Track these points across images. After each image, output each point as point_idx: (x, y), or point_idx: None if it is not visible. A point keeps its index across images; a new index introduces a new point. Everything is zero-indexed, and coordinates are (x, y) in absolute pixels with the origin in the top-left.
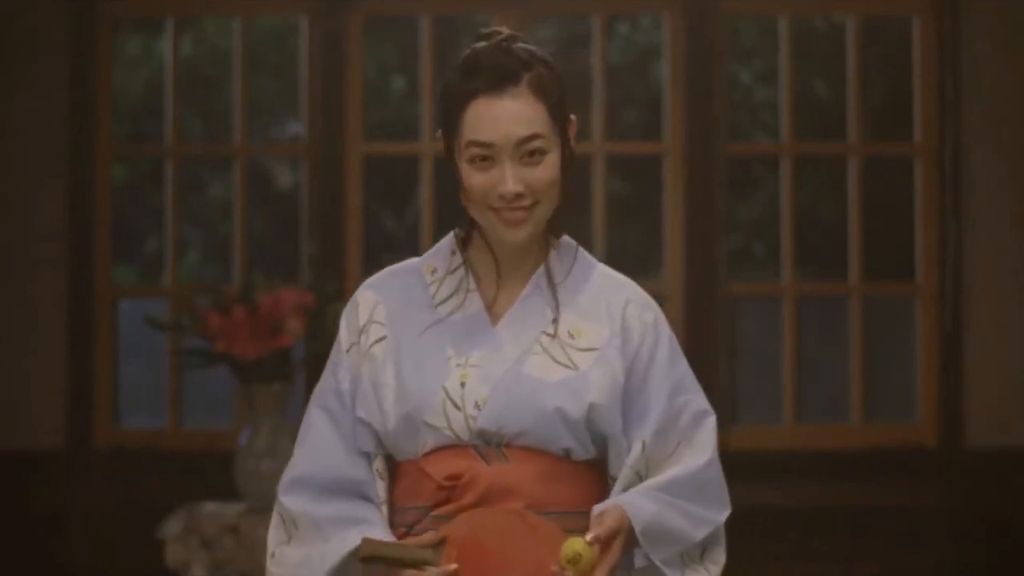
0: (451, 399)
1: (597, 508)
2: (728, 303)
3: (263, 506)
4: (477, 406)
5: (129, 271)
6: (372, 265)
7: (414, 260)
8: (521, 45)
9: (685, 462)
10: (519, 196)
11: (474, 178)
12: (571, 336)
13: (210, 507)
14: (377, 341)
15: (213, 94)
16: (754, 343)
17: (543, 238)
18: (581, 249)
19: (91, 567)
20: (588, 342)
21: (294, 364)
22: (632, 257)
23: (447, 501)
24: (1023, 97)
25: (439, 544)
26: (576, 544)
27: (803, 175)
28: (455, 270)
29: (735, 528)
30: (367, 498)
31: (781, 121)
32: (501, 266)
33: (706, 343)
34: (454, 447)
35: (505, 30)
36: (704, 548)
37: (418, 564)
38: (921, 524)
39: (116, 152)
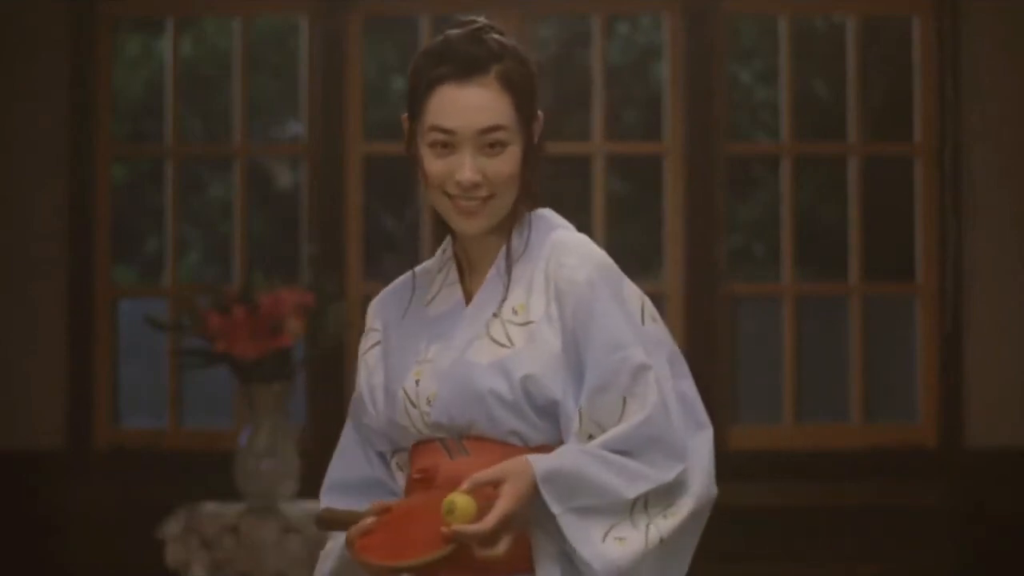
0: (409, 398)
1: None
2: (728, 303)
3: (263, 506)
4: (428, 402)
5: (129, 271)
6: (372, 265)
7: (425, 262)
8: (495, 36)
9: (636, 416)
10: (476, 186)
11: (433, 164)
12: (514, 312)
13: (210, 507)
14: (372, 347)
15: (213, 94)
16: (754, 343)
17: (509, 219)
18: (542, 218)
19: (91, 567)
20: (527, 316)
21: (294, 364)
22: (632, 257)
23: (425, 490)
24: (1023, 97)
25: (384, 511)
26: (452, 495)
27: (803, 175)
28: (443, 266)
29: (735, 528)
30: (392, 493)
31: (781, 121)
32: (471, 254)
33: (706, 343)
34: (426, 442)
35: (481, 20)
36: (647, 500)
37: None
38: (921, 524)
39: (116, 152)
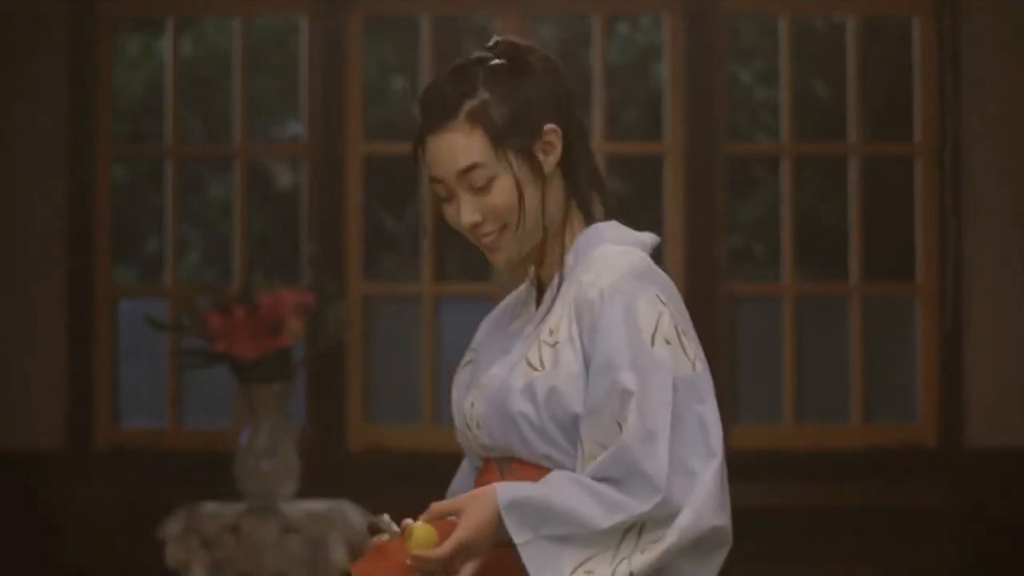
0: (466, 420)
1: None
2: (728, 303)
3: (263, 506)
4: (478, 425)
5: (129, 271)
6: (372, 265)
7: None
8: (478, 64)
9: (615, 444)
10: (477, 225)
11: (445, 211)
12: (550, 333)
13: (210, 507)
14: (465, 364)
15: (213, 94)
16: (754, 343)
17: (561, 236)
18: (594, 233)
19: (91, 567)
20: (555, 337)
21: (294, 364)
22: None
23: None
24: (1023, 97)
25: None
26: (412, 523)
27: (803, 175)
28: (530, 286)
29: (735, 528)
30: None
31: (781, 121)
32: (540, 275)
33: (706, 343)
34: (487, 461)
35: (478, 51)
36: (639, 532)
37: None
38: (921, 524)
39: (116, 152)
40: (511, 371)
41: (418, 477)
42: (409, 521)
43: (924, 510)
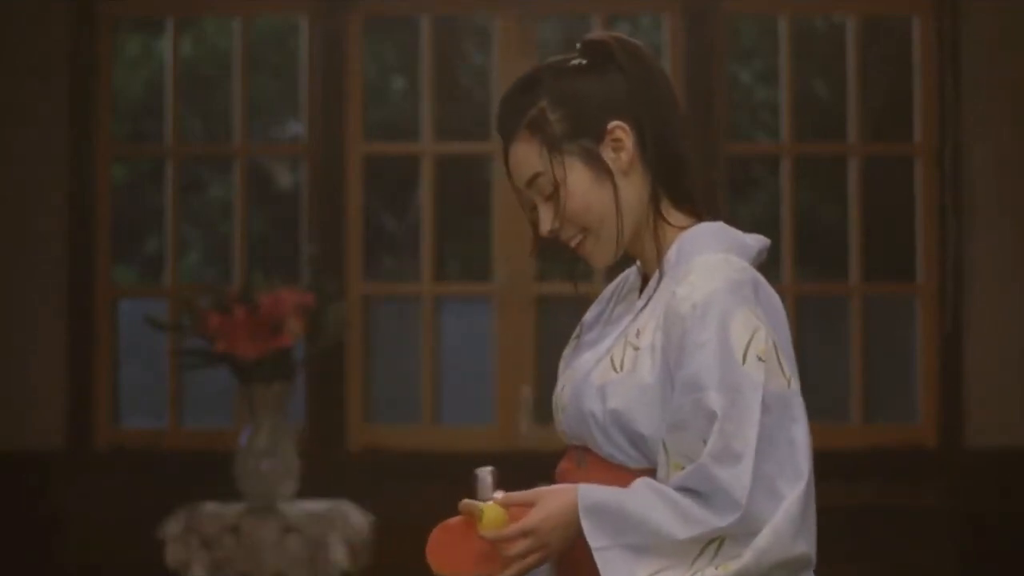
0: (557, 405)
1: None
2: None
3: (263, 506)
4: (562, 411)
5: (129, 271)
6: (372, 265)
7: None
8: (541, 74)
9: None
10: (556, 231)
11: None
12: (637, 335)
13: (210, 507)
14: (572, 340)
15: (213, 94)
16: None
17: (654, 231)
18: (696, 237)
19: (91, 567)
20: (639, 341)
21: (294, 364)
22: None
23: None
24: (1023, 97)
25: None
26: (483, 505)
27: (803, 175)
28: (637, 274)
29: None
30: None
31: (781, 121)
32: (643, 270)
33: None
34: (568, 447)
35: (563, 54)
36: (717, 549)
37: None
38: (921, 524)
39: (116, 152)
40: (596, 364)
41: (418, 477)
42: (483, 504)
43: (924, 510)
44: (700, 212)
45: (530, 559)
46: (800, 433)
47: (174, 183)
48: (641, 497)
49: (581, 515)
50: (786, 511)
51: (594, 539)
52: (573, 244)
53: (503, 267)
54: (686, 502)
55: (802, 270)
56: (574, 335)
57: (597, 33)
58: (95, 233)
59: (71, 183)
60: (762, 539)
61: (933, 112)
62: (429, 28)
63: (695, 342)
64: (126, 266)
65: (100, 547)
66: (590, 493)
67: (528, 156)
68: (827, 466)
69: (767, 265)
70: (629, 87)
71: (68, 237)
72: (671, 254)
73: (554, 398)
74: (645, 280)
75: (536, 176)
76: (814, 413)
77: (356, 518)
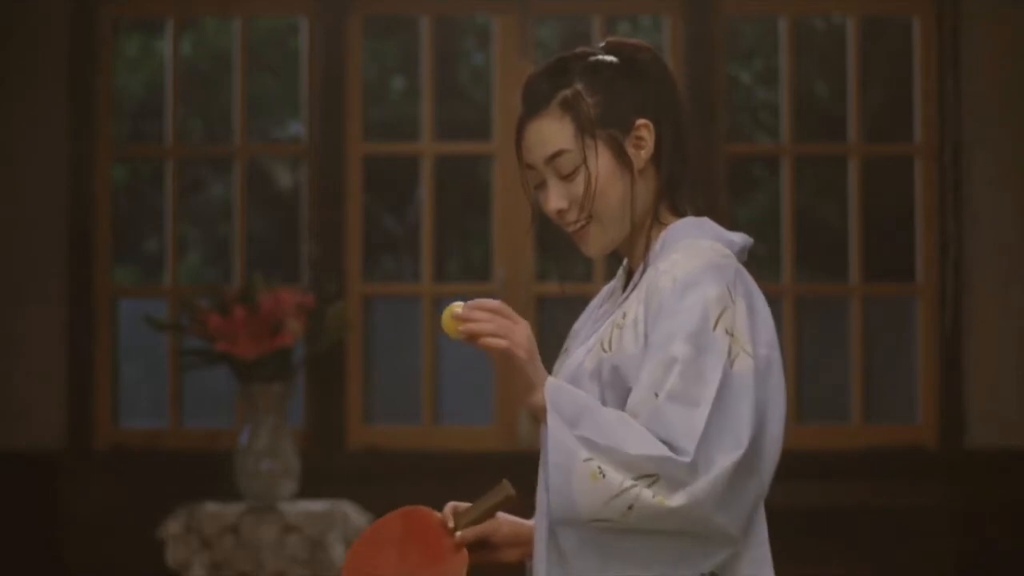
0: None
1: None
2: None
3: (263, 506)
4: None
5: (129, 271)
6: (372, 265)
7: None
8: (577, 59)
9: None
10: (563, 212)
11: (537, 200)
12: (623, 317)
13: (210, 507)
14: (562, 353)
15: (213, 94)
16: None
17: (648, 230)
18: (681, 228)
19: (91, 567)
20: (626, 321)
21: (294, 364)
22: None
23: None
24: (1022, 97)
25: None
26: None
27: (803, 175)
28: (621, 275)
29: None
30: None
31: (781, 121)
32: (631, 264)
33: None
34: None
35: (589, 47)
36: (656, 478)
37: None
38: (921, 524)
39: (116, 152)
40: (587, 355)
41: (418, 477)
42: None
43: (924, 510)
44: (685, 214)
45: (493, 341)
46: (747, 412)
47: (174, 183)
48: (606, 409)
49: (547, 388)
50: (714, 478)
51: (552, 416)
52: (573, 229)
53: (503, 267)
54: (640, 427)
55: (802, 270)
56: (564, 348)
57: (621, 38)
58: (95, 233)
59: (71, 183)
60: (681, 497)
61: (933, 112)
62: (429, 28)
63: (669, 310)
64: (126, 266)
65: (100, 547)
66: (558, 383)
67: (555, 133)
68: (827, 466)
69: (767, 265)
70: (655, 91)
71: (68, 237)
72: (656, 246)
73: None
74: (629, 275)
75: (560, 153)
76: (814, 413)
77: (356, 518)
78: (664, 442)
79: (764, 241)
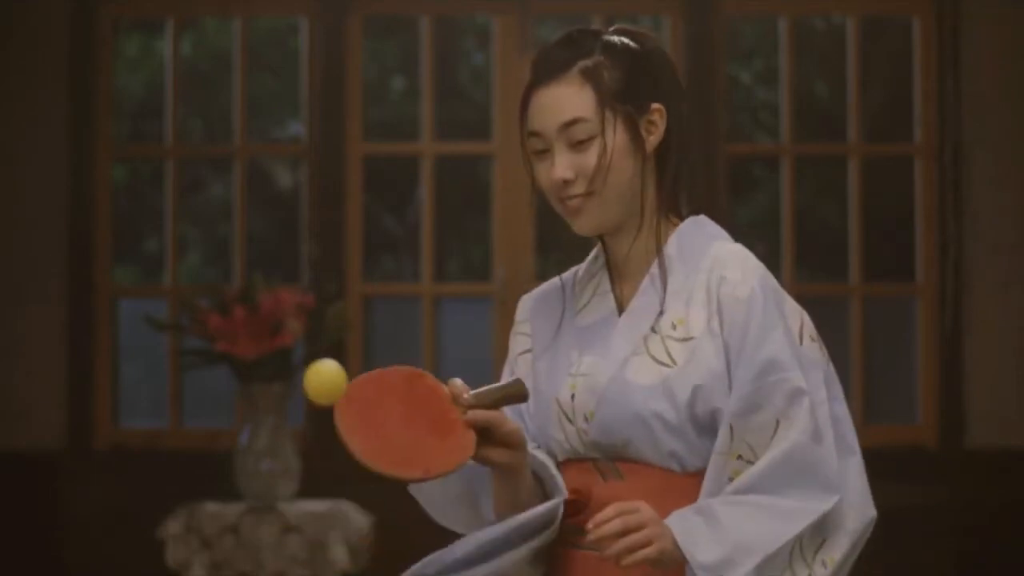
0: (564, 412)
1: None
2: None
3: (263, 506)
4: (586, 419)
5: (129, 271)
6: (372, 265)
7: (573, 268)
8: (594, 35)
9: (782, 444)
10: (568, 183)
11: (537, 171)
12: (673, 327)
13: (210, 507)
14: (522, 352)
15: (213, 94)
16: None
17: (655, 223)
18: (698, 226)
19: (91, 567)
20: (687, 331)
21: (294, 364)
22: None
23: (575, 513)
24: (1022, 97)
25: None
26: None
27: (803, 175)
28: (596, 274)
29: None
30: None
31: (781, 121)
32: (620, 262)
33: None
34: (577, 461)
35: (598, 28)
36: (802, 542)
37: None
38: (921, 524)
39: (116, 152)
40: (624, 366)
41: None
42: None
43: (924, 510)
44: (681, 213)
45: (642, 553)
46: (844, 411)
47: (174, 183)
48: (739, 520)
49: (676, 532)
50: (859, 484)
51: (701, 554)
52: (572, 202)
53: (503, 267)
54: (774, 502)
55: (802, 270)
56: (520, 348)
57: (628, 25)
58: (95, 233)
59: (71, 183)
60: (851, 520)
61: (933, 112)
62: (429, 28)
63: (762, 325)
64: (126, 266)
65: (100, 547)
66: (700, 553)
67: (573, 100)
68: None
69: (767, 265)
70: (667, 79)
71: (68, 237)
72: (670, 248)
73: (554, 408)
74: (612, 277)
75: (576, 121)
76: None
77: (356, 518)
78: (807, 482)
79: (764, 241)
